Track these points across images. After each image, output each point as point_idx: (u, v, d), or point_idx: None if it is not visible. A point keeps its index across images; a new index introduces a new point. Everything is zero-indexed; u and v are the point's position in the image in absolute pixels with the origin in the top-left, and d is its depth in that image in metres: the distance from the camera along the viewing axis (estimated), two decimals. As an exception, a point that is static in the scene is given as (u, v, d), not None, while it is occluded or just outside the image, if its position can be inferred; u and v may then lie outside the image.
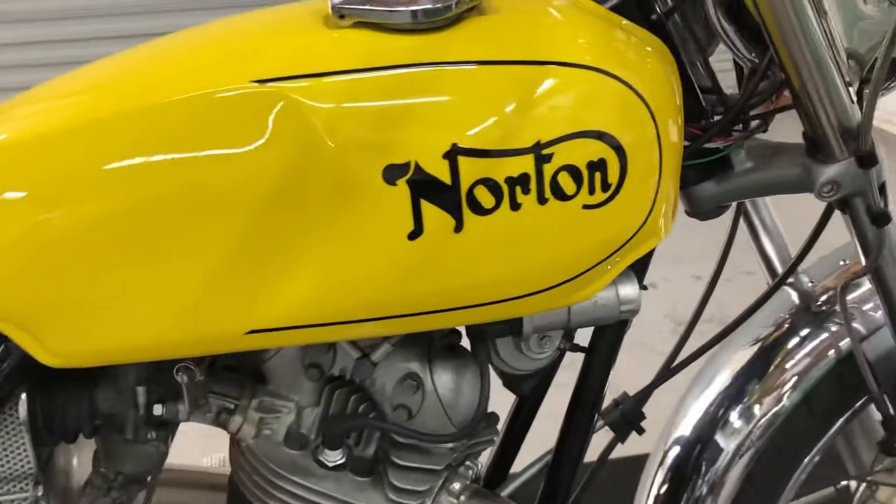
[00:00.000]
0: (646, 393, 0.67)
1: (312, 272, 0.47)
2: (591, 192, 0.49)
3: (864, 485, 0.79)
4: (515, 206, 0.47)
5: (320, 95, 0.46)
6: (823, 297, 0.74)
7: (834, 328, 0.72)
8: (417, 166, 0.46)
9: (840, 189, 0.56)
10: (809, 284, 0.74)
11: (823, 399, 0.72)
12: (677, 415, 0.76)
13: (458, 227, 0.47)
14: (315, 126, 0.45)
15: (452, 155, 0.46)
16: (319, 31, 0.49)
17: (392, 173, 0.46)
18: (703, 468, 0.73)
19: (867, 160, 0.54)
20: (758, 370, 0.73)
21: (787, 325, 0.74)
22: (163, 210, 0.46)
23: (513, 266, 0.50)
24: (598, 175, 0.48)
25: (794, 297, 0.75)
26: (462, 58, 0.48)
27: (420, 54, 0.47)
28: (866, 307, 0.71)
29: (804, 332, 0.73)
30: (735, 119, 0.58)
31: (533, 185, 0.47)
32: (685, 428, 0.75)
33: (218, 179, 0.46)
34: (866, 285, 0.72)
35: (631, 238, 0.52)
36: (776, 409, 0.71)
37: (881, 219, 0.57)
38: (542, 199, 0.48)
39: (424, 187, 0.46)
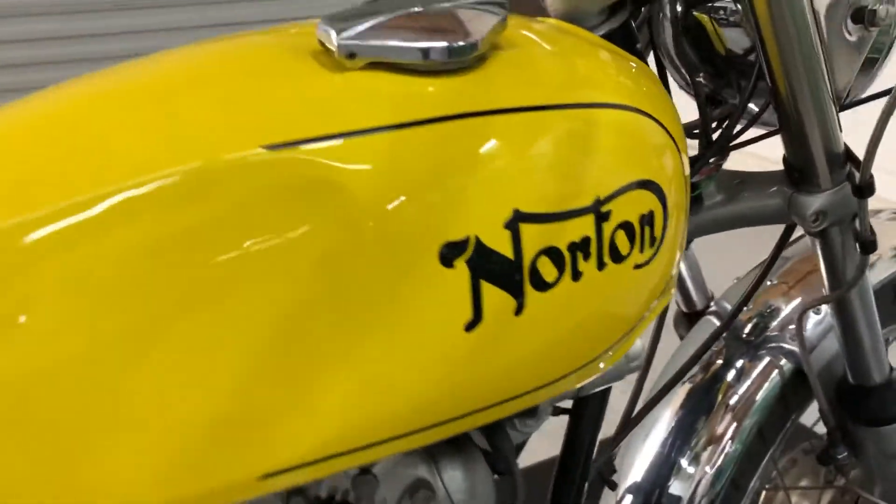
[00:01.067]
0: (613, 447, 0.64)
1: (349, 389, 0.36)
2: (642, 249, 0.43)
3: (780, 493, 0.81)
4: (577, 275, 0.40)
5: (353, 161, 0.35)
6: (749, 325, 0.74)
7: (768, 354, 0.72)
8: (478, 242, 0.37)
9: (826, 218, 0.55)
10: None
11: (772, 424, 0.71)
12: (624, 462, 0.72)
13: (519, 309, 0.38)
14: (350, 201, 0.35)
15: (514, 223, 0.37)
16: (326, 75, 0.38)
17: (450, 252, 0.36)
18: None
19: (867, 190, 0.53)
20: (703, 409, 0.71)
21: (721, 359, 0.73)
22: (149, 327, 0.32)
23: (568, 342, 0.43)
24: (647, 230, 0.43)
25: (715, 324, 0.74)
26: (507, 104, 0.39)
27: (461, 101, 0.38)
28: (791, 327, 0.72)
29: (740, 362, 0.72)
30: (718, 151, 0.56)
31: (593, 249, 0.40)
32: (636, 475, 0.71)
33: (221, 282, 0.33)
34: (785, 308, 0.74)
35: (664, 290, 0.47)
36: (730, 448, 0.69)
37: (870, 246, 0.56)
38: (600, 265, 0.41)
39: (485, 266, 0.37)
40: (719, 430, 0.70)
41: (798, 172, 0.55)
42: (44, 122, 0.36)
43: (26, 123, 0.36)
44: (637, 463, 0.71)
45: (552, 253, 0.39)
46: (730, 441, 0.69)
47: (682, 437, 0.70)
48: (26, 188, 0.32)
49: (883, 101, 0.53)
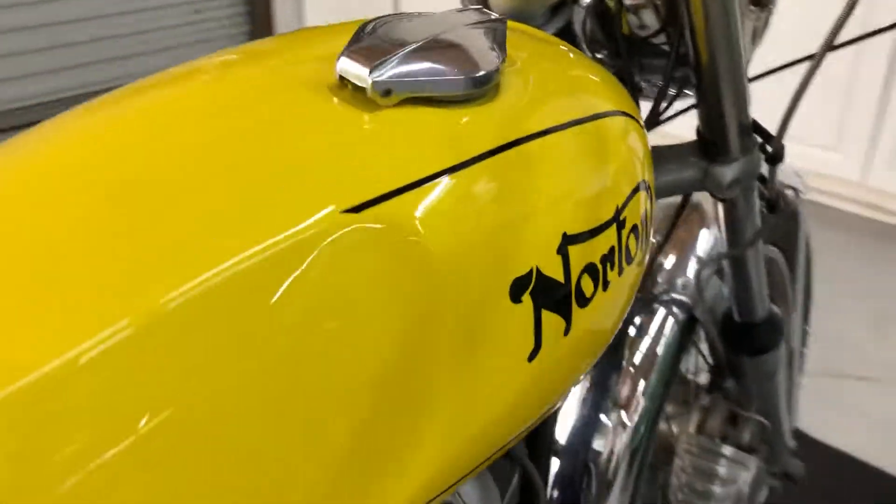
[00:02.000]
0: None
1: (435, 442, 0.35)
2: (642, 247, 0.45)
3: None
4: (606, 285, 0.41)
5: (426, 211, 0.33)
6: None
7: (662, 307, 0.78)
8: (538, 272, 0.37)
9: (739, 185, 0.59)
10: None
11: (673, 371, 0.77)
12: (547, 425, 0.75)
13: (567, 329, 0.39)
14: (429, 252, 0.33)
15: (564, 247, 0.38)
16: (367, 119, 0.35)
17: (518, 288, 0.36)
18: (592, 473, 0.74)
19: (778, 157, 0.58)
20: (614, 365, 0.76)
21: None
22: (229, 419, 0.29)
23: (592, 348, 0.44)
24: (645, 228, 0.46)
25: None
26: (538, 126, 0.39)
27: (502, 131, 0.37)
28: (678, 280, 0.79)
29: (638, 318, 0.77)
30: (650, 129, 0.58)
31: (616, 257, 0.42)
32: (561, 437, 0.75)
33: (323, 347, 0.30)
34: (666, 263, 0.81)
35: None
36: (642, 399, 0.75)
37: (777, 206, 0.62)
38: (620, 270, 0.43)
39: (545, 294, 0.37)
40: (631, 383, 0.75)
41: (713, 145, 0.58)
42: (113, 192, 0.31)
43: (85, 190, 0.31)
44: (560, 424, 0.75)
45: (591, 269, 0.40)
46: (642, 393, 0.75)
47: (600, 395, 0.75)
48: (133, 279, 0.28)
49: (786, 76, 0.58)
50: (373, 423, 0.32)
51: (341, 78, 0.36)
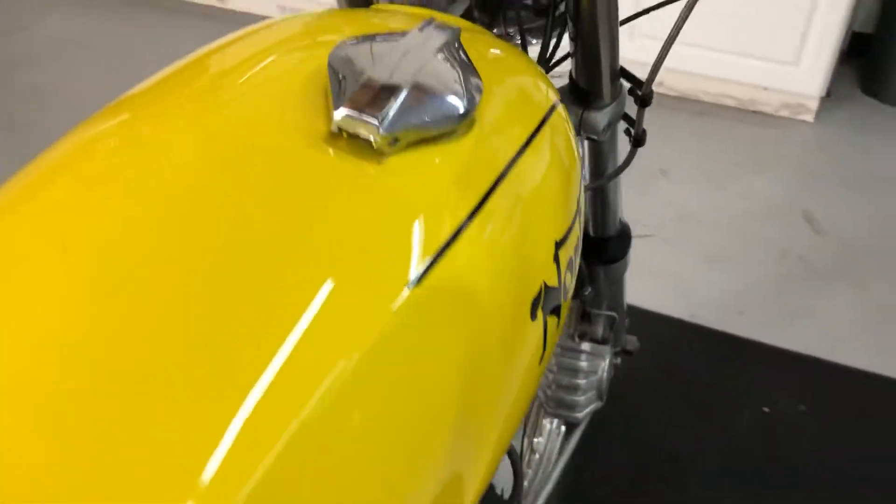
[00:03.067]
0: None
1: (490, 444, 0.38)
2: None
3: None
4: (574, 270, 0.45)
5: (467, 258, 0.34)
6: None
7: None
8: (545, 286, 0.39)
9: (611, 127, 0.62)
10: None
11: None
12: None
13: (558, 323, 0.43)
14: (475, 295, 0.35)
15: (556, 254, 0.41)
16: (383, 174, 0.35)
17: (533, 306, 0.39)
18: None
19: (648, 100, 0.60)
20: None
21: None
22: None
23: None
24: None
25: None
26: (517, 144, 0.41)
27: (495, 158, 0.39)
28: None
29: None
30: None
31: (578, 242, 0.46)
32: None
33: (404, 397, 0.32)
34: None
35: None
36: None
37: (643, 140, 0.63)
38: (577, 252, 0.46)
39: (550, 303, 0.40)
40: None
41: (587, 93, 0.60)
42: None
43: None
44: None
45: (570, 264, 0.43)
46: None
47: None
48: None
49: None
50: (453, 439, 0.35)
51: (340, 129, 0.35)
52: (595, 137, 0.61)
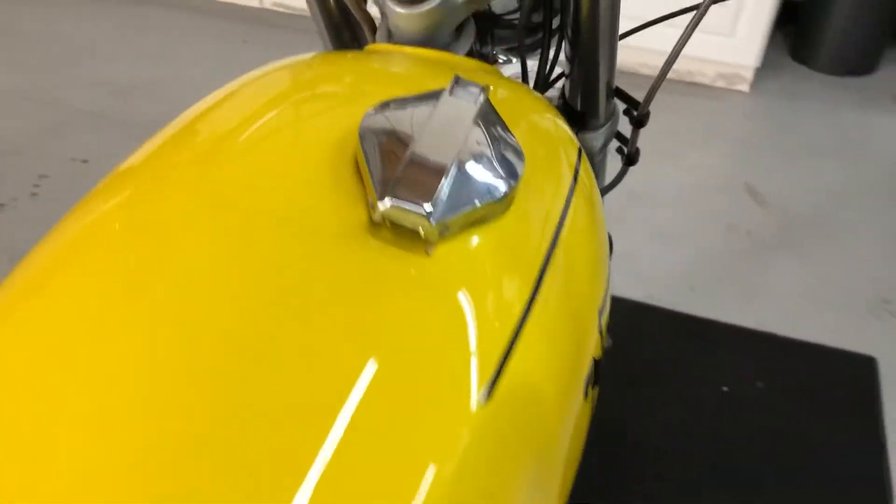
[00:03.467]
0: None
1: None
2: None
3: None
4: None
5: (531, 360, 0.32)
6: None
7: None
8: (594, 362, 0.38)
9: (606, 146, 0.61)
10: None
11: None
12: None
13: (596, 384, 0.41)
14: (542, 402, 0.33)
15: (599, 323, 0.39)
16: (438, 269, 0.32)
17: (587, 386, 0.37)
18: None
19: (644, 122, 0.59)
20: None
21: None
22: None
23: None
24: None
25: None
26: (559, 208, 0.38)
27: (543, 229, 0.36)
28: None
29: None
30: None
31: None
32: None
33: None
34: None
35: None
36: None
37: (635, 159, 0.63)
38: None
39: (596, 375, 0.39)
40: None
41: (581, 114, 0.58)
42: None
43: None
44: None
45: (605, 322, 0.41)
46: None
47: None
48: None
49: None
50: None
51: (385, 219, 0.32)
52: (591, 160, 0.58)
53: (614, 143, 0.64)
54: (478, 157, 0.34)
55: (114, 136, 1.99)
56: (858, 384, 1.38)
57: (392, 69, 0.43)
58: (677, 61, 2.36)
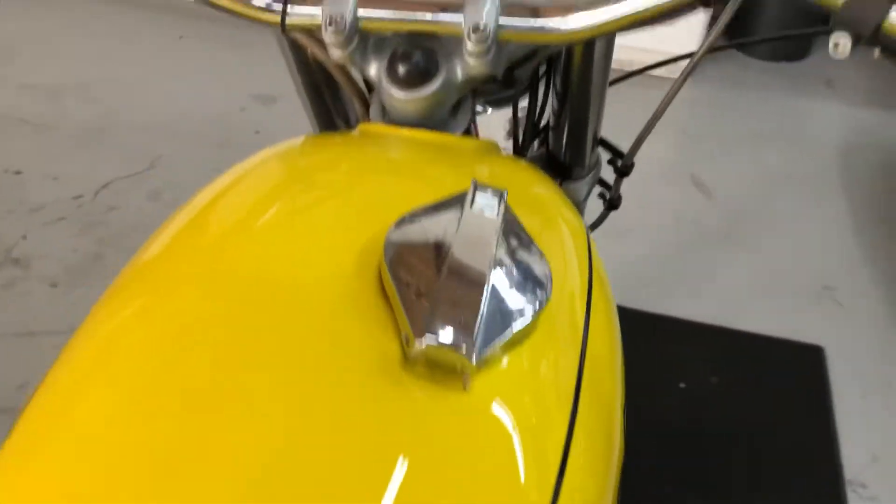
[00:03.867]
0: None
1: None
2: None
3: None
4: None
5: (577, 487, 0.32)
6: None
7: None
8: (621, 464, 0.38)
9: (589, 195, 0.62)
10: None
11: None
12: None
13: None
14: None
15: (623, 421, 0.40)
16: (479, 405, 0.31)
17: (615, 492, 0.36)
18: None
19: (628, 172, 0.60)
20: None
21: None
22: None
23: None
24: None
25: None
26: (582, 311, 0.38)
27: (572, 339, 0.36)
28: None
29: None
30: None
31: None
32: None
33: None
34: None
35: None
36: None
37: (617, 205, 0.64)
38: None
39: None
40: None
41: (566, 164, 0.59)
42: None
43: None
44: None
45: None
46: None
47: None
48: None
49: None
50: None
51: (422, 356, 0.31)
52: (576, 208, 0.58)
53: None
54: (508, 281, 0.33)
55: (47, 144, 1.92)
56: (808, 373, 1.43)
57: (394, 156, 0.42)
58: (618, 51, 2.37)
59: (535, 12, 0.41)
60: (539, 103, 0.58)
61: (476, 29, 0.40)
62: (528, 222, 0.37)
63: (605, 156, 0.62)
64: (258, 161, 0.41)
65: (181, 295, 0.33)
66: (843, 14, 0.35)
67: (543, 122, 0.61)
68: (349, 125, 0.61)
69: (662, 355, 1.44)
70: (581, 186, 0.58)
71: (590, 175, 0.58)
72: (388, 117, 0.48)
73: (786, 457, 1.28)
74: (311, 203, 0.37)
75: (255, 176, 0.39)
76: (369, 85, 0.51)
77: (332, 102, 0.59)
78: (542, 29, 0.40)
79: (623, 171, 0.58)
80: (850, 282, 1.62)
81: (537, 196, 0.44)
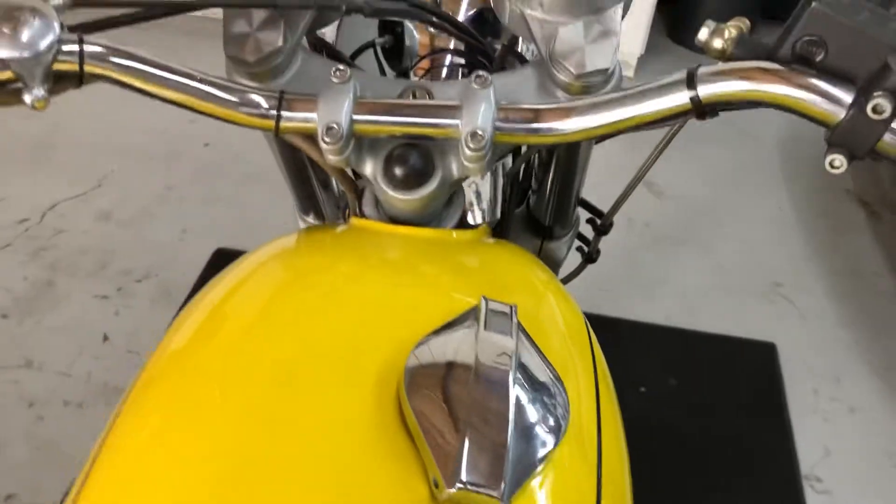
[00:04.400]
0: None
1: None
2: None
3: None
4: None
5: None
6: None
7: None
8: None
9: (568, 253, 0.64)
10: None
11: None
12: None
13: None
14: None
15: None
16: None
17: None
18: None
19: (607, 231, 0.62)
20: None
21: None
22: None
23: None
24: None
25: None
26: (594, 411, 0.42)
27: (589, 445, 0.38)
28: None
29: None
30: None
31: None
32: None
33: None
34: None
35: None
36: None
37: (594, 259, 0.67)
38: None
39: None
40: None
41: (549, 228, 0.61)
42: None
43: None
44: None
45: None
46: None
47: None
48: None
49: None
50: None
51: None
52: (555, 267, 0.59)
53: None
54: (530, 415, 0.33)
55: (-13, 164, 1.86)
56: (762, 370, 1.47)
57: (393, 256, 0.43)
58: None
59: (531, 116, 0.41)
60: (522, 168, 0.59)
61: (474, 135, 0.40)
62: (536, 329, 0.38)
63: (583, 214, 0.64)
64: (258, 264, 0.41)
65: (200, 416, 0.34)
66: (838, 136, 0.36)
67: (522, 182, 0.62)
68: (336, 207, 0.61)
69: (622, 360, 1.46)
70: (561, 246, 0.59)
71: (570, 234, 0.59)
72: (381, 211, 0.48)
73: (744, 455, 1.32)
74: (321, 317, 0.38)
75: (257, 283, 0.40)
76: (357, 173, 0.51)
77: (320, 190, 0.59)
78: (537, 131, 0.41)
79: (603, 231, 0.59)
80: (797, 278, 1.67)
81: (538, 293, 0.46)
